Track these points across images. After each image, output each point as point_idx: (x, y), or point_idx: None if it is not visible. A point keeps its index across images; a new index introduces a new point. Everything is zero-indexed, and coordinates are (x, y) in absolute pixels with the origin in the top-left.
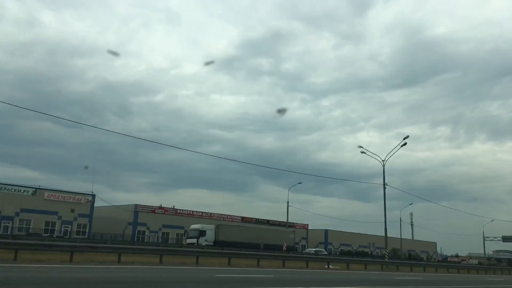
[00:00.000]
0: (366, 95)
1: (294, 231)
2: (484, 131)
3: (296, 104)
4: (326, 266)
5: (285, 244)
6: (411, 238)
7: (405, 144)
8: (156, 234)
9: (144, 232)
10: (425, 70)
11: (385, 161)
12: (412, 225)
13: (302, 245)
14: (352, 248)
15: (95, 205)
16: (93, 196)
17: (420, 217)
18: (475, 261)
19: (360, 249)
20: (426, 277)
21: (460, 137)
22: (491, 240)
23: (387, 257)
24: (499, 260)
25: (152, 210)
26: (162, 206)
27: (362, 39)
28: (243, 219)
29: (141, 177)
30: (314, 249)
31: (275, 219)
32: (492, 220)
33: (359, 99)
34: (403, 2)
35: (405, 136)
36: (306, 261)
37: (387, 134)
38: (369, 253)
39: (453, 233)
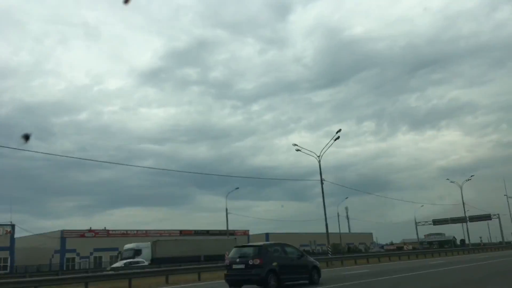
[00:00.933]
0: (294, 97)
1: (235, 238)
2: (406, 123)
3: (227, 111)
4: None
5: (227, 253)
6: (348, 232)
7: (338, 138)
8: (88, 260)
9: (73, 259)
10: (347, 69)
11: (320, 156)
12: (348, 218)
13: None
14: None
15: (16, 235)
16: (12, 226)
17: (355, 211)
18: (410, 247)
19: (302, 249)
20: (372, 269)
21: (384, 131)
22: (423, 224)
23: (330, 253)
24: (430, 243)
25: (81, 234)
26: (92, 228)
27: (286, 43)
28: (182, 232)
29: (69, 201)
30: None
31: (215, 229)
32: (422, 206)
33: (288, 101)
34: (321, 5)
35: (338, 130)
36: None
37: (317, 133)
38: (311, 251)
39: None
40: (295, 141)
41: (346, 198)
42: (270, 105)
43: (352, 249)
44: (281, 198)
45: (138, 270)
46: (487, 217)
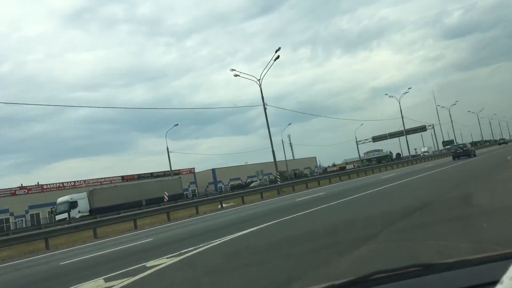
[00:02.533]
0: (229, 29)
1: (180, 177)
2: (339, 46)
3: (161, 49)
4: (220, 206)
5: (166, 193)
6: (293, 158)
7: (278, 57)
8: (24, 219)
9: (7, 220)
10: None
11: (261, 80)
12: (291, 145)
13: (192, 190)
14: (241, 180)
15: None
16: None
17: (297, 138)
18: (351, 166)
19: (250, 180)
20: (328, 190)
21: (319, 56)
22: (363, 143)
23: (279, 180)
24: (369, 160)
25: (12, 192)
26: (24, 185)
27: None
28: (124, 178)
29: (2, 160)
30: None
31: (160, 171)
32: (362, 124)
33: (222, 34)
34: None
35: (277, 49)
36: (196, 206)
37: (255, 64)
38: (259, 181)
39: (329, 145)
40: (234, 76)
41: (289, 124)
42: (204, 39)
43: (298, 175)
44: (225, 134)
45: (62, 226)
46: (422, 129)
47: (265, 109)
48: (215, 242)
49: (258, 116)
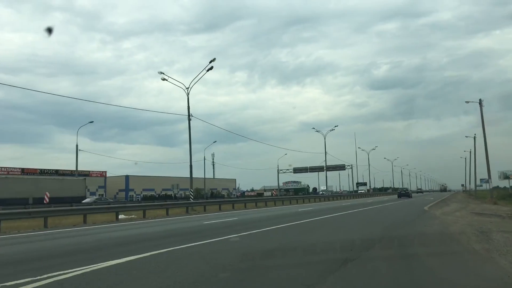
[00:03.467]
0: (170, 39)
1: (84, 179)
2: (275, 77)
3: (95, 45)
4: (116, 218)
5: (47, 194)
6: (213, 177)
7: (211, 68)
8: None
9: None
10: (225, 16)
11: (189, 88)
12: (213, 164)
13: (99, 194)
14: (155, 192)
15: None
16: None
17: (223, 158)
18: (269, 193)
19: (164, 193)
20: (242, 216)
21: (254, 82)
22: (284, 172)
23: (192, 197)
24: (287, 190)
25: None
26: None
27: None
28: (24, 171)
29: None
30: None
31: (67, 169)
32: (286, 154)
33: (162, 42)
34: None
35: (211, 59)
36: (84, 214)
37: (191, 79)
38: (173, 195)
39: (251, 169)
40: (166, 85)
41: (214, 141)
42: (143, 44)
43: (215, 194)
44: (149, 143)
45: None
46: (341, 167)
47: (189, 119)
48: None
49: (186, 129)
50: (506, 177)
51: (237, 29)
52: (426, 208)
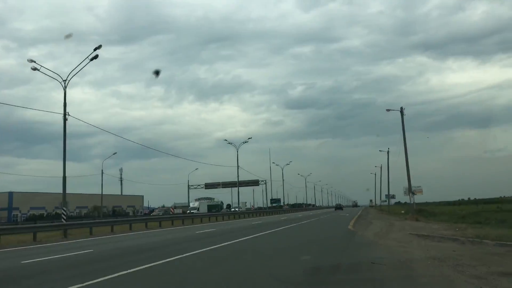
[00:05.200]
0: (82, 49)
1: None
2: (192, 93)
3: None
4: None
5: None
6: (120, 194)
7: (96, 57)
8: None
9: None
10: (143, 29)
11: (67, 81)
12: (121, 180)
13: None
14: (46, 210)
15: None
16: None
17: (135, 174)
18: (179, 210)
19: (55, 211)
20: (136, 240)
21: (172, 97)
22: (195, 188)
23: (64, 218)
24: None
25: None
26: None
27: None
28: None
29: None
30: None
31: None
32: (197, 168)
33: (73, 52)
34: None
35: (97, 47)
36: None
37: (103, 91)
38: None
39: (163, 186)
40: (76, 97)
41: (114, 153)
42: (51, 52)
43: (118, 212)
44: (55, 157)
45: None
46: (255, 183)
47: (65, 119)
48: None
49: (97, 144)
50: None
51: (155, 43)
52: (350, 227)
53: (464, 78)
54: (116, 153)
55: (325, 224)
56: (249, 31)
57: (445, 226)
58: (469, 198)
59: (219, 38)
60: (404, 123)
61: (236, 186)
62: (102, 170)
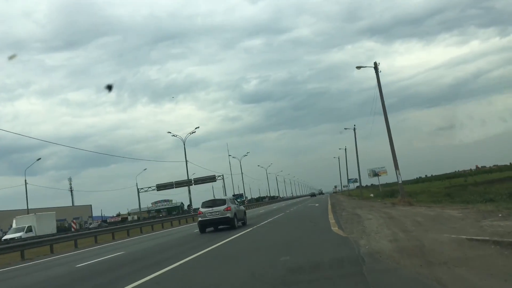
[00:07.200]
0: (23, 58)
1: None
2: (146, 95)
3: None
4: None
5: None
6: (72, 205)
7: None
8: None
9: None
10: (86, 33)
11: None
12: (71, 190)
13: None
14: None
15: None
16: None
17: (91, 183)
18: (135, 217)
19: None
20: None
21: (124, 101)
22: (146, 191)
23: None
24: (158, 211)
25: None
26: None
27: None
28: None
29: None
30: None
31: None
32: (145, 169)
33: (14, 61)
34: None
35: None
36: None
37: (51, 100)
38: None
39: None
40: (23, 108)
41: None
42: None
43: (59, 227)
44: (5, 173)
45: None
46: (212, 179)
47: None
48: None
49: (51, 155)
50: (375, 174)
51: (101, 46)
52: (336, 230)
53: (411, 60)
54: (40, 158)
55: (302, 224)
56: (198, 26)
57: (465, 212)
58: (426, 175)
59: (168, 36)
60: (379, 85)
61: (192, 184)
62: (25, 180)
